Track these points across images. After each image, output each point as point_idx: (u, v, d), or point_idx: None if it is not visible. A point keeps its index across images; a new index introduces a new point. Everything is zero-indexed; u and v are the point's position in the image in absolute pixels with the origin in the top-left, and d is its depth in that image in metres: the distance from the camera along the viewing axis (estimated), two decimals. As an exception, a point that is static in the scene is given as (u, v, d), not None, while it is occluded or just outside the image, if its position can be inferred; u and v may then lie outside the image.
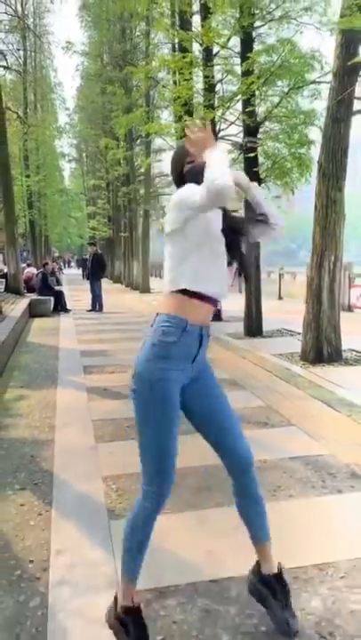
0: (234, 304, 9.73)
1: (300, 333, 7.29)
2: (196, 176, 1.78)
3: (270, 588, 1.95)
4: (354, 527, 2.70)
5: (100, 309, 13.90)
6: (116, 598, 1.94)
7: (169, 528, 2.61)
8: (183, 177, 1.95)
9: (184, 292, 1.85)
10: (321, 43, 9.75)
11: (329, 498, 3.00)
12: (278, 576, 1.97)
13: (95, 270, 14.42)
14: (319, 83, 8.86)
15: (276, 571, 1.98)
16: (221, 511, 2.80)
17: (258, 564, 2.02)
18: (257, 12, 8.98)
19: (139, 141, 23.88)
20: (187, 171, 1.94)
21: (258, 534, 1.98)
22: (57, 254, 56.56)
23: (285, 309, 12.61)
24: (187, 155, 1.93)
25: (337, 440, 3.91)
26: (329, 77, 7.57)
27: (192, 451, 3.19)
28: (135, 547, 1.92)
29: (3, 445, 3.97)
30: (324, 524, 2.73)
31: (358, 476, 3.27)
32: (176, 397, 1.85)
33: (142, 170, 22.96)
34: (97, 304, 14.03)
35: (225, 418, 1.96)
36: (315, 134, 9.00)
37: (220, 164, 1.70)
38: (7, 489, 3.20)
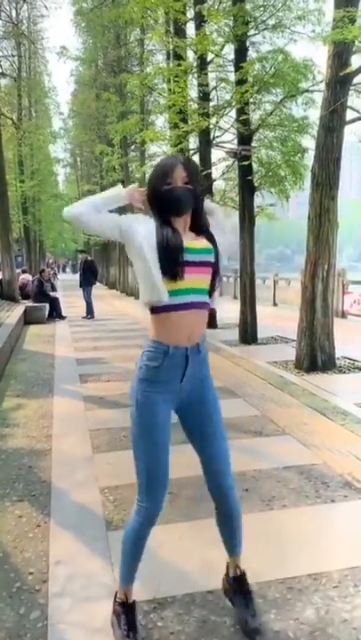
0: (229, 311, 9.81)
1: (294, 340, 7.36)
2: (171, 201, 1.91)
3: (234, 588, 2.12)
4: (347, 536, 2.76)
5: (92, 316, 13.90)
6: (115, 595, 2.09)
7: (165, 539, 2.66)
8: (160, 196, 1.95)
9: (151, 310, 1.93)
10: (315, 52, 9.90)
11: (322, 507, 3.06)
12: (240, 578, 2.13)
13: (87, 277, 14.45)
14: (312, 92, 8.98)
15: (238, 573, 2.13)
16: (212, 523, 2.84)
17: (227, 567, 2.19)
18: (251, 20, 9.09)
19: (133, 147, 24.00)
20: (164, 191, 1.92)
21: (230, 548, 2.15)
22: (51, 260, 56.51)
23: (280, 316, 12.69)
24: (166, 176, 1.91)
25: (331, 449, 3.97)
26: (322, 86, 7.69)
27: (189, 461, 3.26)
28: (130, 556, 2.05)
29: (0, 456, 4.00)
30: (317, 534, 2.78)
31: (351, 485, 3.33)
32: (162, 419, 1.92)
33: (137, 176, 23.08)
34: (89, 311, 14.05)
35: (214, 446, 2.03)
36: (309, 142, 9.12)
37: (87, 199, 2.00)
38: (5, 500, 3.24)
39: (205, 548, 2.63)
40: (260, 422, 4.66)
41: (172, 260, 1.84)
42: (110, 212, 2.00)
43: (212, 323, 10.62)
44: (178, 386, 1.95)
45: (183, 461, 3.41)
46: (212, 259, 1.95)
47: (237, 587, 2.12)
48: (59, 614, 2.16)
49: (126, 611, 2.02)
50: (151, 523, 1.96)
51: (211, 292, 1.97)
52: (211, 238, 1.98)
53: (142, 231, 1.89)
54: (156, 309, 1.91)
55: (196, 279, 1.90)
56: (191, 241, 1.92)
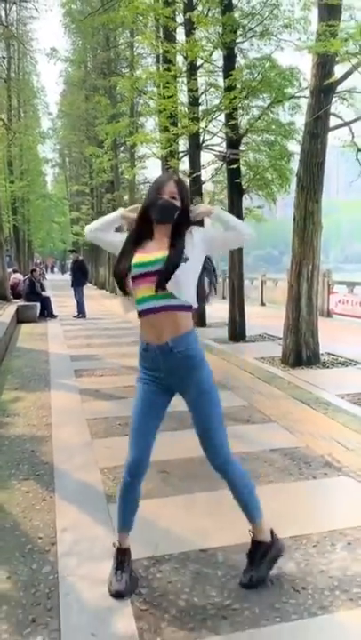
0: (218, 310, 10.10)
1: (280, 338, 7.67)
2: (156, 208, 2.27)
3: (251, 549, 2.38)
4: (326, 506, 3.06)
5: (83, 316, 14.11)
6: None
7: (161, 509, 2.95)
8: (150, 203, 2.30)
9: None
10: (300, 59, 10.24)
11: (304, 483, 3.36)
12: (258, 543, 2.37)
13: (77, 277, 14.67)
14: (298, 97, 9.32)
15: (258, 539, 2.38)
16: (207, 495, 3.13)
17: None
18: (239, 28, 9.40)
19: (122, 148, 24.25)
20: (153, 200, 2.27)
21: (247, 516, 2.40)
22: (39, 260, 56.41)
23: (268, 315, 13.03)
24: (159, 189, 2.26)
25: (313, 434, 4.27)
26: (308, 92, 8.02)
27: (180, 445, 3.56)
28: (121, 506, 2.38)
29: (4, 442, 4.25)
30: (299, 504, 3.08)
31: (331, 464, 3.63)
32: (145, 394, 2.32)
33: (127, 176, 23.32)
34: (81, 310, 14.26)
35: (206, 427, 2.32)
36: (295, 147, 9.46)
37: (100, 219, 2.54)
38: (12, 479, 3.49)
39: (198, 516, 2.92)
40: (249, 412, 4.95)
41: (118, 283, 2.33)
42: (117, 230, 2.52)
43: (201, 321, 10.93)
44: (162, 374, 2.29)
45: (174, 445, 3.74)
46: (156, 268, 2.19)
47: (255, 548, 2.37)
48: (67, 569, 2.43)
49: (118, 553, 2.34)
50: (130, 474, 2.31)
51: (198, 293, 2.30)
52: (176, 245, 2.24)
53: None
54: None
55: (145, 289, 2.22)
56: (145, 254, 2.25)
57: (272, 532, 2.40)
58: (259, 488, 3.24)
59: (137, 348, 2.35)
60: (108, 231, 2.47)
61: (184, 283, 2.20)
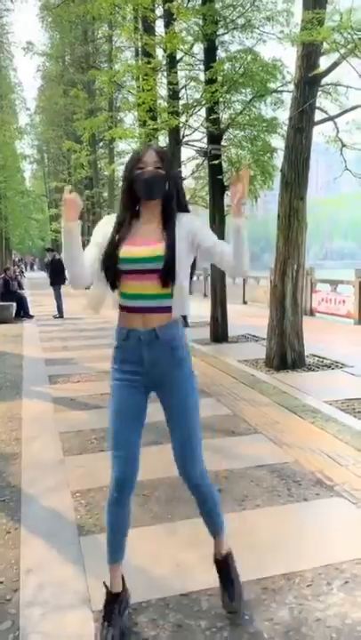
0: (199, 309, 9.82)
1: (264, 339, 7.42)
2: (140, 183, 1.96)
3: (219, 569, 2.23)
4: (319, 535, 2.78)
5: (61, 316, 13.71)
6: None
7: (137, 542, 2.62)
8: (132, 180, 1.99)
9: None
10: (283, 52, 9.97)
11: (295, 506, 3.08)
12: (224, 561, 2.23)
13: (55, 275, 14.24)
14: (281, 92, 9.07)
15: (223, 553, 2.24)
16: (190, 522, 2.83)
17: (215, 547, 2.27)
18: (220, 20, 9.11)
19: (101, 144, 23.82)
20: (135, 175, 1.97)
21: (214, 530, 2.25)
22: (18, 258, 55.56)
23: (250, 314, 12.78)
24: (138, 161, 1.98)
25: (301, 447, 4.00)
26: (291, 87, 7.76)
27: (159, 462, 3.24)
28: (108, 530, 2.08)
29: (-33, 460, 3.90)
30: (290, 533, 2.80)
31: (323, 483, 3.36)
32: (123, 397, 2.04)
33: (106, 173, 22.91)
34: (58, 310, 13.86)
35: (186, 435, 2.06)
36: (278, 142, 9.21)
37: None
38: (-27, 507, 3.16)
39: (177, 549, 2.62)
40: (233, 421, 4.67)
41: (109, 275, 2.00)
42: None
43: (184, 322, 10.62)
44: (141, 370, 2.03)
45: (152, 463, 3.41)
46: (156, 266, 1.94)
47: (218, 569, 2.23)
48: (30, 625, 2.11)
49: (108, 598, 2.06)
50: (117, 490, 2.02)
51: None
52: (170, 232, 1.98)
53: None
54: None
55: (139, 286, 1.97)
56: (135, 246, 1.95)
57: None
58: (245, 513, 2.99)
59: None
60: (81, 265, 1.98)
61: (183, 281, 1.99)
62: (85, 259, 1.99)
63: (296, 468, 3.62)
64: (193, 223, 2.05)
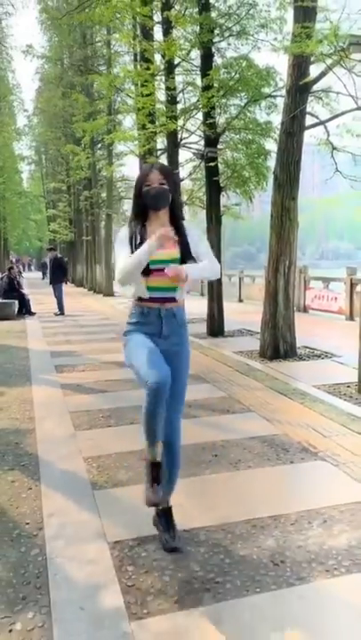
0: (197, 306, 10.23)
1: (258, 333, 7.83)
2: (149, 198, 2.40)
3: (160, 517, 2.59)
4: (303, 488, 3.19)
5: (62, 313, 14.09)
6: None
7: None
8: (141, 195, 2.44)
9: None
10: (277, 59, 10.38)
11: (283, 467, 3.49)
12: (165, 510, 2.57)
13: (57, 274, 14.62)
14: (275, 97, 9.48)
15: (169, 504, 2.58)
16: (191, 480, 3.24)
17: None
18: (216, 28, 9.51)
19: (100, 146, 24.19)
20: (144, 191, 2.42)
21: (172, 481, 2.56)
22: (15, 258, 55.80)
23: (245, 311, 13.20)
24: (145, 180, 2.43)
25: (290, 422, 4.41)
26: (284, 92, 8.17)
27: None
28: (146, 424, 2.33)
29: (-13, 434, 4.29)
30: (278, 486, 3.21)
31: (308, 450, 3.77)
32: (145, 338, 2.42)
33: (104, 174, 23.30)
34: (60, 307, 14.23)
35: (180, 389, 2.49)
36: (272, 145, 9.62)
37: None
38: (-3, 469, 3.55)
39: (182, 500, 3.00)
40: (228, 402, 5.08)
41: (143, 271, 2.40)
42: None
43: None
44: (157, 340, 2.43)
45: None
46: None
47: (163, 516, 2.57)
48: (55, 551, 2.50)
49: (153, 467, 2.37)
50: (157, 396, 2.24)
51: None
52: (182, 235, 2.45)
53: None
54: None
55: (162, 280, 2.37)
56: (160, 249, 2.35)
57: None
58: (238, 473, 3.40)
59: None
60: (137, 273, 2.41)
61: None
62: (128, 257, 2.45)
63: (285, 439, 4.03)
64: (193, 232, 2.52)
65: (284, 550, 2.47)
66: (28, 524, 2.79)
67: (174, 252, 2.41)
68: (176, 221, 2.49)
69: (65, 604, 2.12)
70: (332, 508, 2.87)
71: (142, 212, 2.47)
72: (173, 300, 2.45)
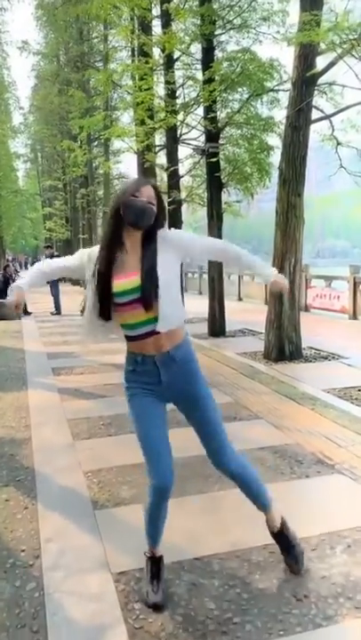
0: (197, 306, 10.00)
1: (261, 333, 7.59)
2: (133, 209, 1.99)
3: (277, 540, 2.36)
4: (322, 506, 2.95)
5: (59, 312, 13.82)
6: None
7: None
8: (123, 204, 2.02)
9: None
10: (279, 52, 10.14)
11: (298, 482, 3.24)
12: (280, 531, 2.35)
13: None
14: (277, 91, 9.23)
15: (278, 526, 2.35)
16: (200, 497, 2.99)
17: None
18: (217, 20, 9.25)
19: (96, 143, 23.89)
20: (129, 200, 2.01)
21: (259, 506, 2.35)
22: (11, 257, 55.42)
23: (246, 310, 12.97)
24: (136, 190, 2.02)
25: (302, 431, 4.17)
26: (287, 86, 7.92)
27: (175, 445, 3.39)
28: (150, 527, 2.21)
29: (-20, 445, 4.03)
30: (294, 505, 2.96)
31: (323, 462, 3.53)
32: (146, 407, 2.12)
33: (101, 171, 23.00)
34: (56, 307, 13.96)
35: (211, 430, 2.24)
36: (275, 140, 9.38)
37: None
38: (-10, 485, 3.29)
39: (191, 522, 2.77)
40: (234, 408, 4.83)
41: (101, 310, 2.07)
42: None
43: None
44: (159, 389, 2.13)
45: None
46: (137, 295, 2.00)
47: (276, 540, 2.36)
48: (53, 584, 2.25)
49: (153, 562, 2.23)
50: (160, 498, 2.09)
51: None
52: (148, 260, 2.03)
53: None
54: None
55: (137, 314, 2.02)
56: (125, 278, 2.01)
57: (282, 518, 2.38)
58: (251, 489, 3.15)
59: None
60: (49, 275, 2.25)
61: (170, 302, 2.02)
62: (57, 265, 2.23)
63: (297, 449, 3.78)
64: (181, 236, 2.16)
65: (307, 582, 2.22)
66: (23, 551, 2.54)
67: (135, 279, 2.00)
68: (145, 243, 2.06)
69: (65, 652, 1.87)
70: (355, 530, 2.63)
71: (118, 232, 2.05)
72: (165, 334, 2.05)
